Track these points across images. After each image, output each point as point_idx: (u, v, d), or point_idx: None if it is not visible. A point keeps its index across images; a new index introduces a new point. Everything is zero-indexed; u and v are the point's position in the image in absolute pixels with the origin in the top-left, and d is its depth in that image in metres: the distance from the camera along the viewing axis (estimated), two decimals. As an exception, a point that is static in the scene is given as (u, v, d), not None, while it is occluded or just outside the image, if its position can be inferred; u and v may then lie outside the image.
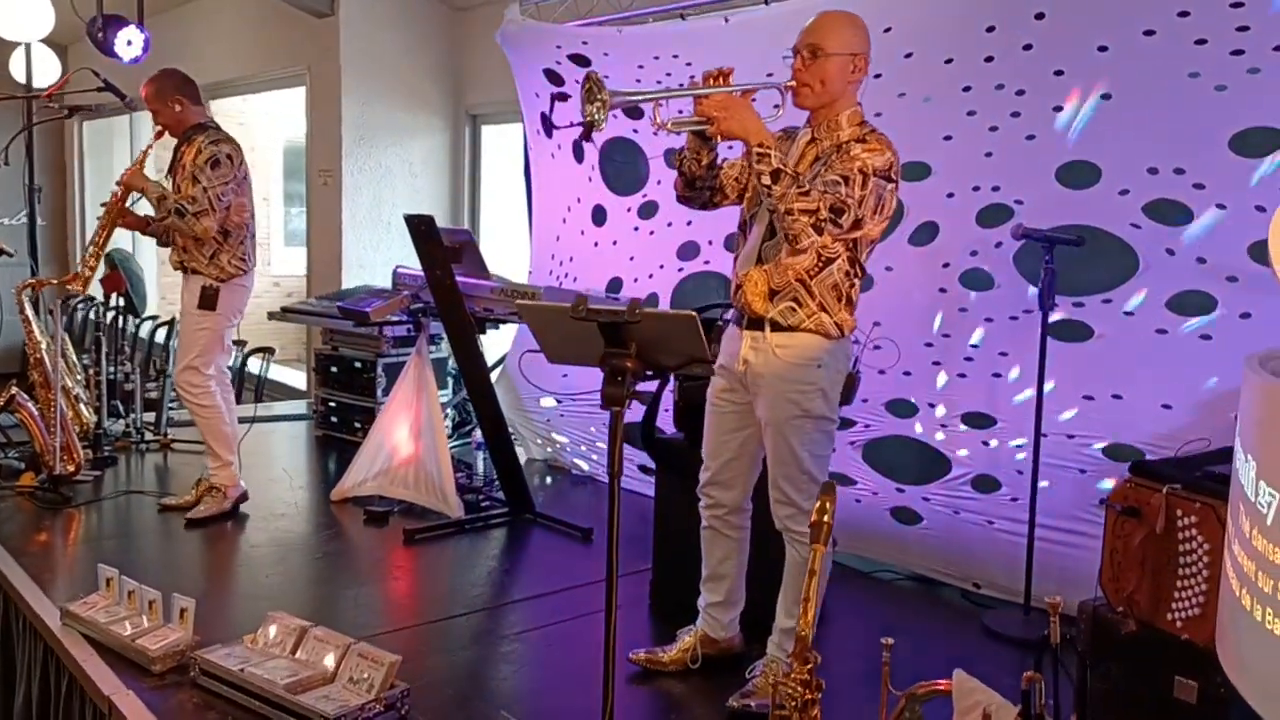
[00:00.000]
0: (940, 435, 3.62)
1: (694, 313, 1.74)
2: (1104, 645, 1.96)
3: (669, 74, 4.52)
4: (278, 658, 2.68)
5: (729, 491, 2.77)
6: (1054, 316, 3.17)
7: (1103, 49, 3.14)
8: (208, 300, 4.01)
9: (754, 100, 2.46)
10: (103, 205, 4.17)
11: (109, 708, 2.60)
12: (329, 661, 2.63)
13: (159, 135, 4.21)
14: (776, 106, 2.54)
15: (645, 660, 2.90)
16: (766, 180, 2.32)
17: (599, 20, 5.05)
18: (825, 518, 1.61)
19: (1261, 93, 2.85)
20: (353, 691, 2.54)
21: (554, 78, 5.01)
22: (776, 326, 2.49)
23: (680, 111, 2.44)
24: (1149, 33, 3.04)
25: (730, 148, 2.65)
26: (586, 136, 2.23)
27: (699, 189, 2.61)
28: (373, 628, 3.11)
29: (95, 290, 5.33)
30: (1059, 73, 3.26)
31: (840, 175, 2.38)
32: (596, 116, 2.16)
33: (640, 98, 2.56)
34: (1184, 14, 2.96)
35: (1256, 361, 1.28)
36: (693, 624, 2.93)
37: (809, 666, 1.57)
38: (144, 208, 4.21)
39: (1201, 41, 2.94)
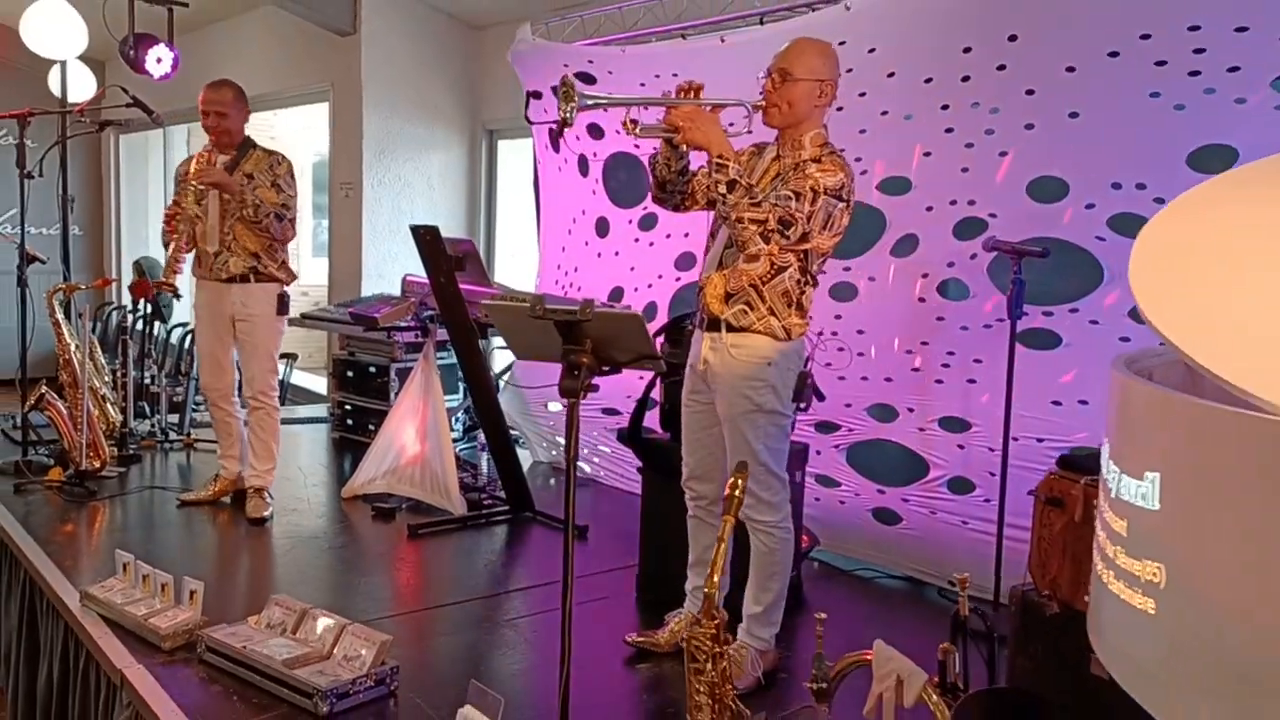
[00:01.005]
0: (918, 439, 3.76)
1: (638, 312, 1.91)
2: (1031, 626, 2.10)
3: (668, 92, 4.69)
4: (278, 637, 2.87)
5: (708, 484, 2.94)
6: (1024, 325, 3.31)
7: (1070, 69, 3.29)
8: (284, 305, 4.24)
9: (724, 114, 2.64)
10: (170, 209, 4.18)
11: (121, 680, 2.80)
12: (326, 641, 2.81)
13: (221, 144, 4.22)
14: (732, 124, 2.71)
15: (641, 642, 3.08)
16: (722, 189, 2.51)
17: (605, 40, 5.24)
18: (736, 493, 1.78)
19: (1216, 112, 2.98)
20: (346, 668, 2.72)
21: (561, 95, 5.20)
22: (730, 327, 2.67)
23: (656, 120, 2.62)
24: (1113, 54, 3.18)
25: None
26: (559, 134, 2.42)
27: (670, 192, 2.78)
28: (374, 613, 3.29)
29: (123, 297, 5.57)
30: (1030, 92, 3.41)
31: (793, 191, 2.55)
32: (569, 116, 2.35)
33: (609, 102, 2.73)
34: (1145, 36, 3.10)
35: (1123, 362, 1.43)
36: (680, 608, 3.10)
37: (716, 622, 1.73)
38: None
39: (1161, 63, 3.08)
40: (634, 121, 2.51)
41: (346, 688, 2.63)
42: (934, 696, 1.61)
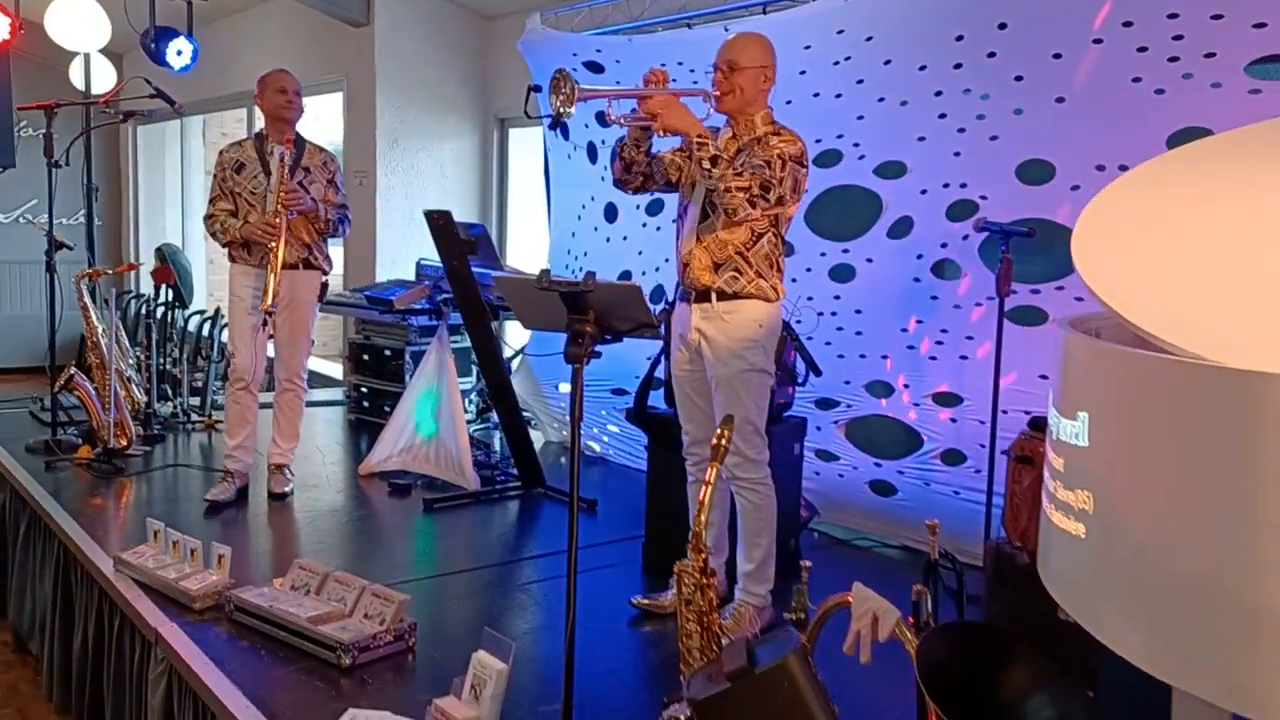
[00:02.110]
0: (913, 413, 3.90)
1: (638, 284, 2.07)
2: (1004, 576, 2.25)
3: (674, 80, 4.84)
4: (303, 597, 3.04)
5: (707, 448, 3.10)
6: (1012, 303, 3.45)
7: (1057, 56, 3.42)
8: (324, 292, 4.39)
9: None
10: (266, 225, 4.11)
11: (155, 638, 2.97)
12: (347, 600, 2.98)
13: (290, 142, 4.18)
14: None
15: (648, 604, 3.26)
16: (707, 165, 2.75)
17: (612, 29, 5.38)
18: (723, 442, 1.94)
19: (1194, 96, 3.11)
20: (367, 625, 2.89)
21: (570, 84, 5.35)
22: (722, 295, 2.91)
23: (632, 110, 2.85)
24: (1097, 41, 3.31)
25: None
26: (554, 125, 2.60)
27: (634, 174, 3.05)
28: (392, 578, 3.44)
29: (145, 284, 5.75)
30: (1019, 78, 3.54)
31: (764, 160, 2.81)
32: (562, 109, 2.54)
33: (595, 93, 2.91)
34: (1128, 24, 3.23)
35: (1069, 321, 1.57)
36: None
37: (703, 556, 1.89)
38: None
39: (1143, 49, 3.21)
40: (619, 117, 2.73)
41: (367, 642, 2.80)
42: (907, 633, 1.76)
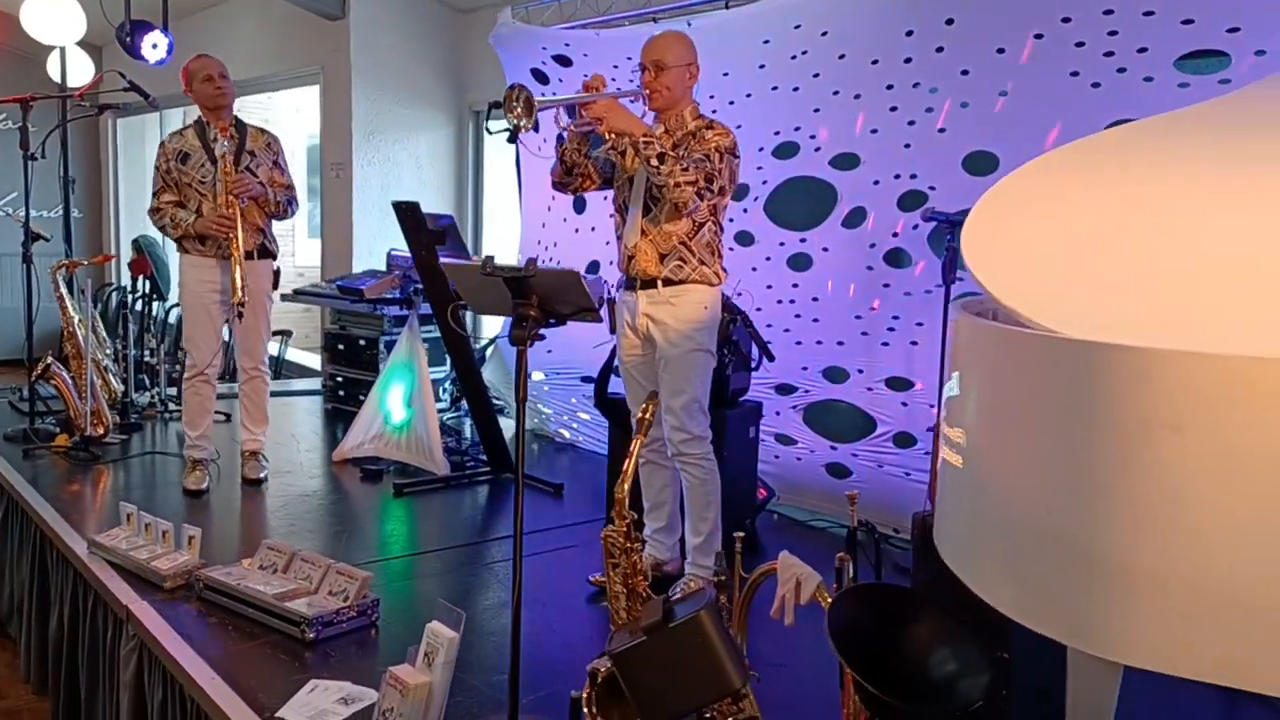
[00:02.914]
0: (867, 398, 4.03)
1: (576, 270, 2.18)
2: (928, 547, 2.35)
3: (636, 71, 4.95)
4: (270, 576, 3.15)
5: (657, 428, 3.22)
6: (959, 289, 3.56)
7: (1000, 51, 3.54)
8: (277, 279, 4.42)
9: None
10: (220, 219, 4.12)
11: (127, 614, 3.08)
12: (313, 578, 3.09)
13: (225, 131, 4.14)
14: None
15: (604, 581, 3.34)
16: (655, 162, 2.86)
17: (580, 24, 5.48)
18: (647, 415, 2.06)
19: (1128, 89, 3.23)
20: (331, 601, 3.00)
21: (540, 77, 5.46)
22: (668, 282, 3.06)
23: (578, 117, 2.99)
24: (1038, 36, 3.43)
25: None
26: (512, 139, 2.73)
27: (574, 175, 3.21)
28: (362, 558, 3.56)
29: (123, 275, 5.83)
30: (965, 72, 3.66)
31: (704, 154, 2.95)
32: (519, 123, 2.66)
33: (549, 104, 3.01)
34: (1066, 20, 3.35)
35: (961, 304, 1.69)
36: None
37: (626, 522, 2.01)
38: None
39: (1080, 44, 3.33)
40: (568, 124, 2.98)
41: (331, 617, 2.91)
42: (826, 596, 1.88)
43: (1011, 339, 1.28)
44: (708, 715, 1.81)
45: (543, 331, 2.22)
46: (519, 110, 2.71)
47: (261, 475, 4.52)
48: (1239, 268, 1.27)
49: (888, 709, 1.67)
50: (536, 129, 5.59)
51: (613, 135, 2.95)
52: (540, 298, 2.15)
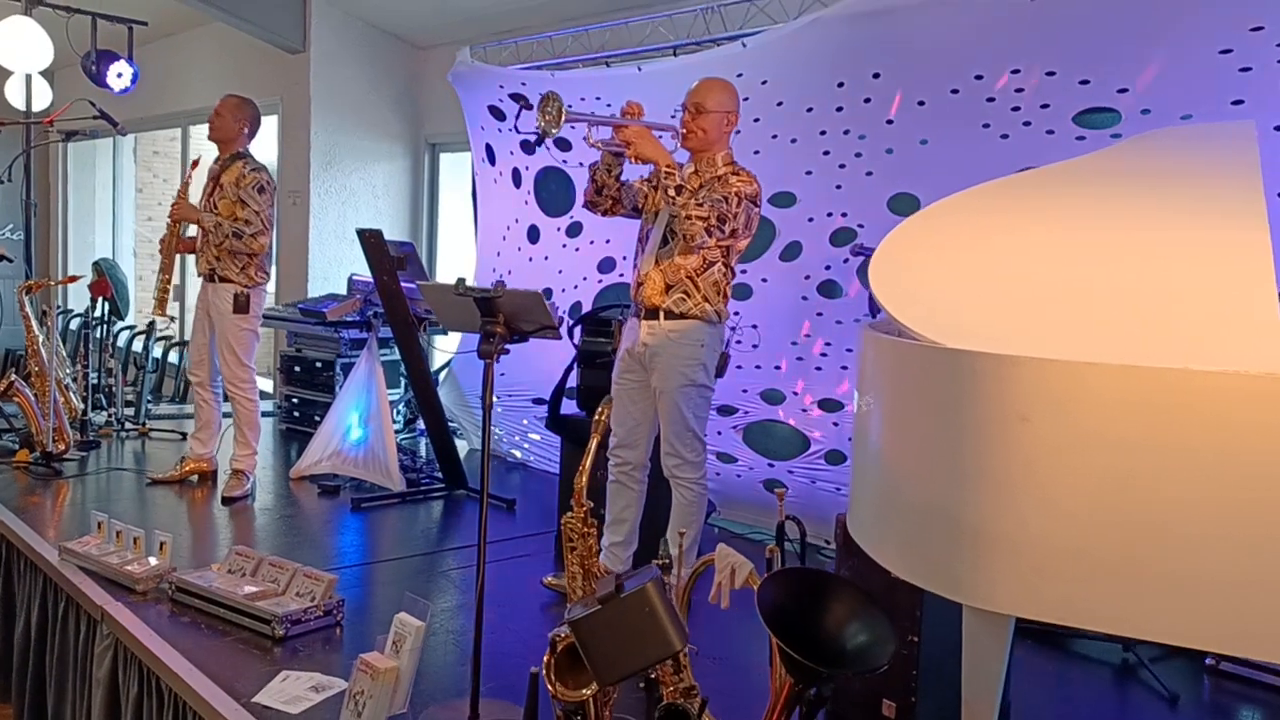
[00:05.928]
0: (802, 419, 4.34)
1: (539, 291, 2.44)
2: (849, 544, 2.63)
3: (593, 113, 5.26)
4: (239, 579, 3.33)
5: (634, 451, 3.46)
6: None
7: (921, 103, 3.89)
8: (240, 305, 4.63)
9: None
10: (160, 241, 4.69)
11: (102, 615, 3.24)
12: (280, 580, 3.29)
13: (195, 165, 4.75)
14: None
15: (557, 584, 3.58)
16: (672, 193, 3.05)
17: (536, 65, 5.78)
18: (602, 416, 2.33)
19: (1032, 140, 3.60)
20: (299, 601, 3.20)
21: (496, 113, 5.74)
22: (670, 314, 3.20)
23: (610, 137, 3.17)
24: (954, 91, 3.79)
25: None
26: (539, 142, 2.93)
27: (604, 196, 3.34)
28: (322, 566, 3.73)
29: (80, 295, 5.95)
30: (889, 121, 4.01)
31: (723, 195, 3.12)
32: (549, 128, 2.87)
33: (579, 119, 3.19)
34: (979, 77, 3.71)
35: (869, 324, 1.99)
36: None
37: (584, 509, 2.27)
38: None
39: (991, 99, 3.70)
40: (597, 141, 3.10)
41: (299, 615, 3.11)
42: (756, 580, 2.15)
43: (903, 349, 1.58)
44: (653, 676, 2.06)
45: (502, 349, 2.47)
46: (550, 116, 2.89)
47: (235, 494, 4.64)
48: (1081, 293, 1.58)
49: (809, 673, 1.94)
50: (492, 161, 5.92)
51: (636, 160, 3.10)
52: (506, 316, 2.41)
